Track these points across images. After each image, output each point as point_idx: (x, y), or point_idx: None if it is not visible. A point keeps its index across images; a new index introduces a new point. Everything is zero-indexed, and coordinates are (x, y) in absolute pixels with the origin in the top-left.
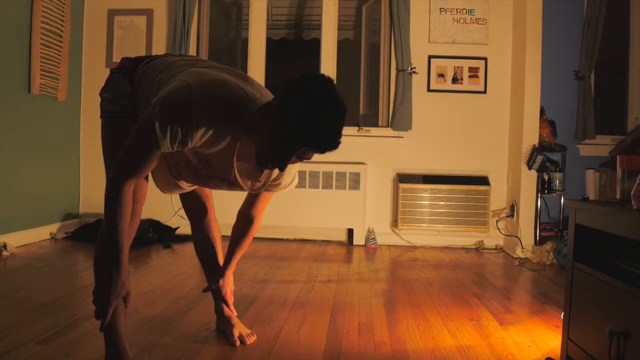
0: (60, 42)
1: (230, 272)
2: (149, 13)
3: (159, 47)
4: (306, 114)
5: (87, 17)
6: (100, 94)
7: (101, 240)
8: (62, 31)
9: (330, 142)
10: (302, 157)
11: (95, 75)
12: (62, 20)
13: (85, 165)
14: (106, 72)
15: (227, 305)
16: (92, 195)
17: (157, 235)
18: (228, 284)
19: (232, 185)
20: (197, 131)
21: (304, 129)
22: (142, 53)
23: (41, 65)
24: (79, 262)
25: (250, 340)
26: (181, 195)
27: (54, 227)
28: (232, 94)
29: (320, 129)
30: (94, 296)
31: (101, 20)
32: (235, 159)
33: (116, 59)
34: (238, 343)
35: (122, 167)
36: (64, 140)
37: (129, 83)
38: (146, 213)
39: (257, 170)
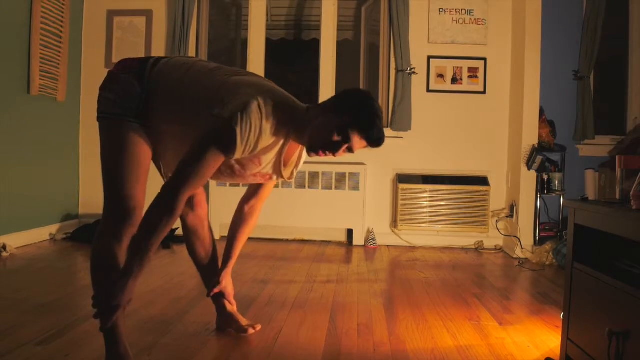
0: (60, 42)
1: (231, 268)
2: (148, 14)
3: (159, 48)
4: (363, 107)
5: (87, 18)
6: (102, 93)
7: (101, 245)
8: (61, 32)
9: (380, 136)
10: (352, 147)
11: (94, 76)
12: (62, 21)
13: (84, 166)
14: (106, 73)
15: (228, 300)
16: (91, 196)
17: None
18: (229, 281)
19: (270, 178)
20: (265, 137)
21: (362, 119)
22: (142, 54)
23: (40, 66)
24: (79, 262)
25: (257, 327)
26: None
27: (53, 228)
28: (283, 101)
29: (374, 121)
30: (95, 300)
31: (100, 21)
32: (283, 156)
33: (115, 59)
34: (251, 330)
35: (186, 179)
36: (64, 141)
37: (138, 83)
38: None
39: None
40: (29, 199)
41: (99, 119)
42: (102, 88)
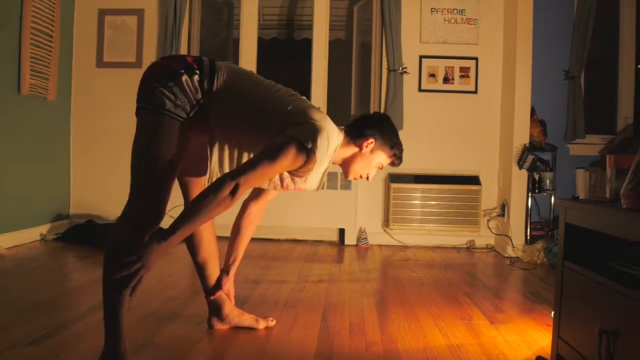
0: (51, 42)
1: (234, 270)
2: (139, 13)
3: (150, 47)
4: (398, 145)
5: (78, 17)
6: (157, 87)
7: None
8: (52, 31)
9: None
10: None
11: (85, 76)
12: (52, 20)
13: (75, 166)
14: (97, 72)
15: (230, 300)
16: (82, 196)
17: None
18: (232, 283)
19: (302, 190)
20: (327, 161)
21: (399, 155)
22: (133, 53)
23: (31, 66)
24: (70, 263)
25: (271, 322)
26: (186, 192)
27: (44, 228)
28: (336, 130)
29: (402, 152)
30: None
31: (92, 20)
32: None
33: (107, 58)
34: (270, 321)
35: (250, 178)
36: (54, 141)
37: (200, 87)
38: None
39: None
40: (19, 199)
41: (149, 110)
42: (158, 82)
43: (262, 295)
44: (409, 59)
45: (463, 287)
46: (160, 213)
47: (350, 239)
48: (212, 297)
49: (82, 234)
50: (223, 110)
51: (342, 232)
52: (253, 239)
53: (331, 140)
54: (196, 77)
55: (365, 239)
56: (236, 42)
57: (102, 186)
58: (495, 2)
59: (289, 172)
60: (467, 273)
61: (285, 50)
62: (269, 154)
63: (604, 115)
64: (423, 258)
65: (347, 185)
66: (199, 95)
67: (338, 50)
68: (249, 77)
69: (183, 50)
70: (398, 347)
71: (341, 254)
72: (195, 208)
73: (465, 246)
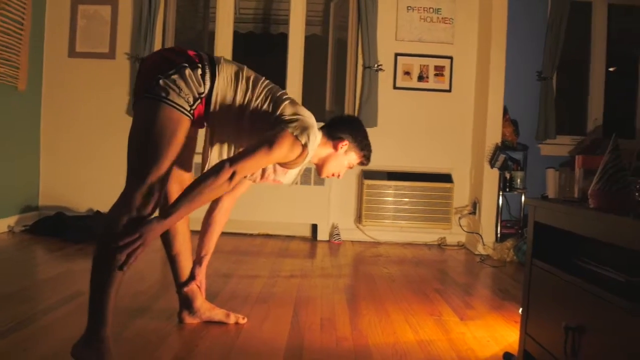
0: (21, 29)
1: (206, 264)
2: (113, 3)
3: (124, 38)
4: (367, 143)
5: (50, 5)
6: (162, 79)
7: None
8: (23, 19)
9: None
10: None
11: (57, 65)
12: (24, 8)
13: (45, 157)
14: (69, 62)
15: (201, 293)
16: (51, 187)
17: None
18: (204, 276)
19: (280, 183)
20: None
21: (368, 154)
22: (107, 43)
23: (0, 54)
24: (38, 255)
25: (241, 320)
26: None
27: (11, 220)
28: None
29: (371, 152)
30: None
31: (64, 9)
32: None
33: (80, 49)
34: (241, 319)
35: (247, 164)
36: (24, 131)
37: (203, 82)
38: (108, 206)
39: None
40: None
41: (153, 100)
42: (161, 73)
43: (233, 290)
44: (384, 57)
45: (434, 284)
46: (157, 202)
47: (322, 234)
48: (185, 289)
49: (52, 226)
50: (223, 106)
51: (314, 227)
52: (224, 233)
53: (316, 138)
54: (199, 71)
55: (338, 234)
56: (212, 35)
57: (72, 178)
58: (471, 2)
59: (280, 164)
60: (438, 270)
61: (261, 45)
62: (266, 143)
63: (575, 117)
64: (395, 254)
65: (320, 181)
66: (202, 89)
67: (314, 46)
68: (246, 73)
69: (157, 43)
70: (368, 342)
71: (313, 249)
72: (194, 190)
73: (436, 243)
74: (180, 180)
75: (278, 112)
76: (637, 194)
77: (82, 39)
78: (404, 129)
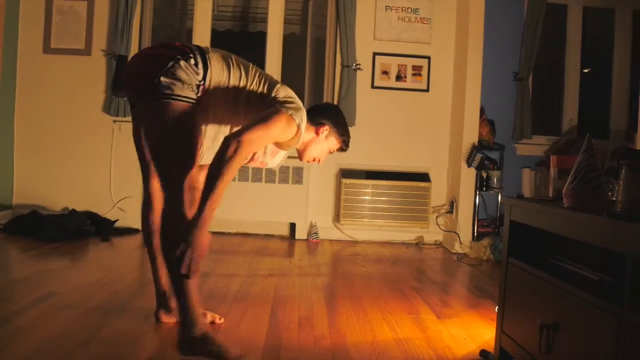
0: None
1: None
2: None
3: (100, 35)
4: (346, 130)
5: (24, 0)
6: (163, 76)
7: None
8: None
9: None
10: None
11: (32, 62)
12: None
13: (19, 155)
14: (44, 58)
15: None
16: (26, 186)
17: (94, 227)
18: None
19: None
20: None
21: (347, 139)
22: (82, 40)
23: None
24: (12, 255)
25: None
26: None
27: None
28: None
29: (349, 138)
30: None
31: (39, 4)
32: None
33: (55, 44)
34: (218, 319)
35: (249, 137)
36: None
37: (197, 71)
38: (84, 205)
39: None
40: None
41: (164, 99)
42: (161, 70)
43: (211, 289)
44: (362, 56)
45: (411, 282)
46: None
47: (301, 233)
48: (163, 288)
49: (26, 225)
50: (218, 90)
51: (292, 226)
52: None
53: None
54: (192, 61)
55: (316, 233)
56: (189, 33)
57: (47, 176)
58: (448, 2)
59: (275, 144)
60: (416, 268)
61: (239, 43)
62: (264, 120)
63: (550, 117)
64: (372, 253)
65: (298, 180)
66: (199, 77)
67: (292, 45)
68: (236, 59)
69: (134, 40)
70: (346, 341)
71: (292, 248)
72: (215, 175)
73: (414, 242)
74: None
75: (273, 94)
76: (609, 193)
77: (57, 35)
78: (382, 128)
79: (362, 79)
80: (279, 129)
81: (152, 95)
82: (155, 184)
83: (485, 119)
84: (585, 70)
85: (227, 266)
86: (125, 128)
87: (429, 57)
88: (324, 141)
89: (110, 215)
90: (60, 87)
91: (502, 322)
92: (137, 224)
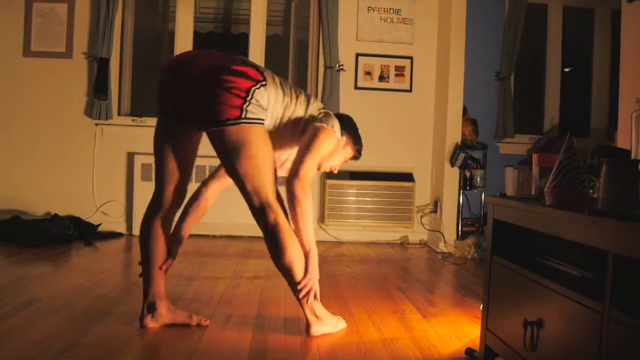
0: None
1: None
2: (69, 1)
3: (81, 37)
4: (360, 139)
5: (2, 3)
6: (246, 105)
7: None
8: None
9: None
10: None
11: (11, 65)
12: None
13: None
14: (23, 61)
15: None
16: (6, 190)
17: (77, 232)
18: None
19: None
20: None
21: (360, 147)
22: (63, 43)
23: None
24: None
25: (204, 322)
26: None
27: None
28: None
29: (362, 147)
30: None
31: (18, 7)
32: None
33: (35, 47)
34: (204, 321)
35: (311, 169)
36: None
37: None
38: (67, 209)
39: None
40: None
41: (252, 123)
42: (245, 98)
43: (196, 292)
44: (345, 57)
45: (396, 282)
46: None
47: None
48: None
49: (8, 231)
50: (273, 112)
51: None
52: (197, 236)
53: None
54: (264, 87)
55: None
56: (171, 35)
57: (28, 180)
58: (430, 3)
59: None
60: (401, 268)
61: (222, 45)
62: (309, 144)
63: (532, 116)
64: (357, 253)
65: (281, 182)
66: (267, 103)
67: (275, 46)
68: (280, 79)
69: (116, 43)
70: (332, 342)
71: None
72: (300, 218)
73: (399, 242)
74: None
75: (311, 110)
76: (591, 191)
77: (38, 37)
78: (366, 128)
79: (345, 80)
80: (325, 144)
81: (242, 121)
82: (170, 191)
83: (468, 119)
84: (566, 70)
85: (212, 269)
86: (107, 131)
87: (411, 58)
88: (341, 150)
89: (94, 220)
90: (41, 90)
91: (487, 320)
92: (120, 227)
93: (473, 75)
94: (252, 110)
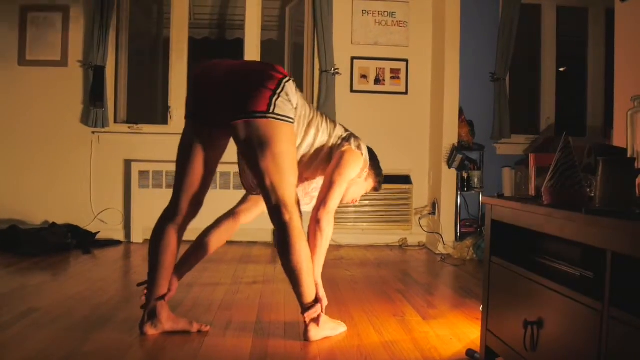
0: None
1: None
2: (64, 9)
3: (76, 46)
4: (381, 172)
5: None
6: (275, 98)
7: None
8: None
9: None
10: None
11: (6, 74)
12: None
13: None
14: (19, 70)
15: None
16: (3, 200)
17: (76, 240)
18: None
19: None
20: None
21: (382, 179)
22: (58, 51)
23: None
24: None
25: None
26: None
27: None
28: None
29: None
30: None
31: (13, 16)
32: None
33: (30, 57)
34: (204, 327)
35: (336, 200)
36: None
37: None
38: (65, 217)
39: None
40: None
41: (280, 120)
42: (275, 90)
43: (195, 299)
44: (340, 60)
45: (396, 285)
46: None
47: None
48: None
49: (5, 241)
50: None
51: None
52: (184, 242)
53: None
54: (293, 81)
55: None
56: (166, 41)
57: (26, 190)
58: (425, 5)
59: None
60: (400, 270)
61: (217, 50)
62: (336, 172)
63: (528, 116)
64: (357, 257)
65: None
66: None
67: (270, 51)
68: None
69: (111, 50)
70: (332, 346)
71: (275, 254)
72: (317, 248)
73: (398, 244)
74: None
75: (336, 131)
76: (588, 189)
77: (33, 46)
78: (362, 131)
79: (341, 83)
80: (352, 168)
81: (269, 116)
82: (188, 199)
83: (465, 120)
84: (561, 69)
85: (210, 275)
86: (104, 139)
87: (406, 60)
88: (364, 182)
89: (92, 228)
90: (37, 99)
91: (487, 320)
92: (118, 235)
93: (468, 77)
94: (281, 106)
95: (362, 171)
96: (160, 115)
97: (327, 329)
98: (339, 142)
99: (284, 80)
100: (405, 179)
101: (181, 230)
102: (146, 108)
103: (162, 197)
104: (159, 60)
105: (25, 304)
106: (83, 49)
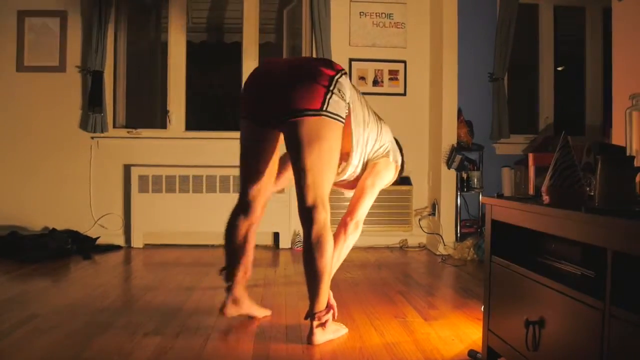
0: None
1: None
2: (62, 14)
3: (75, 51)
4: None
5: None
6: (329, 96)
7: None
8: None
9: None
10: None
11: (4, 80)
12: None
13: None
14: (17, 76)
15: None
16: (3, 206)
17: (76, 246)
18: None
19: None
20: None
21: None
22: (57, 56)
23: None
24: None
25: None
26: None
27: None
28: None
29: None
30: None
31: (11, 22)
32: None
33: (28, 62)
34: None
35: (362, 212)
36: None
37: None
38: (65, 223)
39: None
40: None
41: (332, 118)
42: (333, 88)
43: (196, 303)
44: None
45: (397, 286)
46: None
47: (284, 242)
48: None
49: (5, 247)
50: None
51: (276, 235)
52: (186, 246)
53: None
54: (346, 75)
55: (300, 242)
56: (164, 45)
57: (25, 196)
58: (422, 6)
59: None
60: (401, 272)
61: (215, 54)
62: (370, 185)
63: (527, 116)
64: (357, 259)
65: (280, 189)
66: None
67: (269, 54)
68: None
69: (109, 54)
70: (334, 348)
71: (276, 257)
72: (336, 251)
73: (398, 245)
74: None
75: (383, 137)
76: (587, 188)
77: (31, 52)
78: None
79: None
80: (385, 178)
81: (323, 114)
82: (255, 193)
83: (463, 120)
84: (559, 69)
85: (211, 279)
86: (103, 144)
87: (404, 62)
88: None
89: (92, 233)
90: (35, 105)
91: (488, 321)
92: (119, 240)
93: (467, 77)
94: (333, 105)
95: (393, 178)
96: (159, 120)
97: (330, 332)
98: (380, 154)
99: (336, 77)
100: (405, 180)
101: (252, 226)
102: (145, 112)
103: (162, 202)
104: (158, 65)
105: (26, 310)
106: (81, 54)
